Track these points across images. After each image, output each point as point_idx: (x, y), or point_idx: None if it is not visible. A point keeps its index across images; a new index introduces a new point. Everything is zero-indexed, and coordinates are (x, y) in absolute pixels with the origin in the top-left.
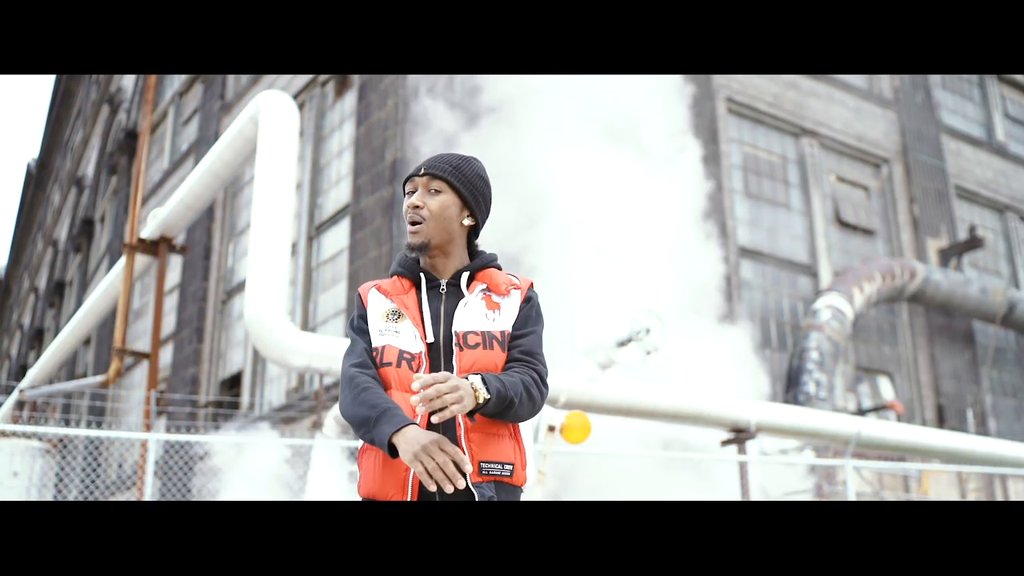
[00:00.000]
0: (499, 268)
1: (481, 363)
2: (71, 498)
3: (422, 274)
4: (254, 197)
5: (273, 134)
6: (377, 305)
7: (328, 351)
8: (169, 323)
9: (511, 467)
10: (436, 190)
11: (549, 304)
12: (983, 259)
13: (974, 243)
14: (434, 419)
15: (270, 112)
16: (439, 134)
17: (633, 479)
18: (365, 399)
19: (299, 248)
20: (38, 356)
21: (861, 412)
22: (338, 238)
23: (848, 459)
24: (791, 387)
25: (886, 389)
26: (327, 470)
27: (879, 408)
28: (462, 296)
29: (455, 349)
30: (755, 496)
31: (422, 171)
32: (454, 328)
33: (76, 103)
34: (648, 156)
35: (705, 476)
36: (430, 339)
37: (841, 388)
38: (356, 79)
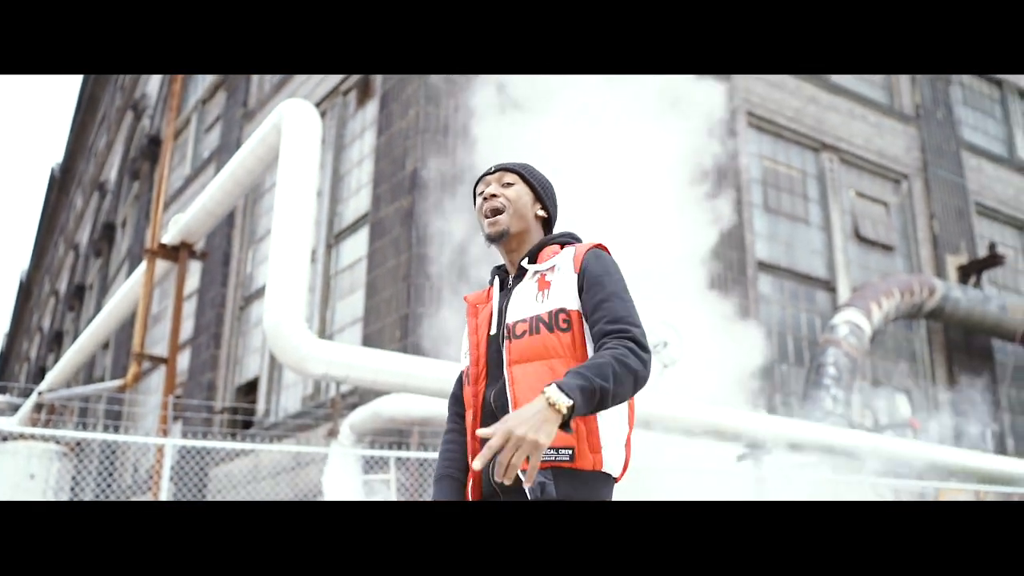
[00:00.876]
0: (563, 244)
1: (529, 351)
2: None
3: (506, 272)
4: (275, 204)
5: (296, 142)
6: (467, 323)
7: (345, 359)
8: (187, 328)
9: (569, 451)
10: (509, 183)
11: None
12: (1003, 276)
13: (994, 260)
14: (504, 481)
15: (293, 120)
16: (461, 144)
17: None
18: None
19: (318, 255)
20: (57, 359)
21: (878, 428)
22: (357, 246)
23: (865, 476)
24: (807, 402)
25: (903, 406)
26: (342, 478)
27: (896, 425)
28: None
29: (504, 343)
30: None
31: (493, 170)
32: (508, 319)
33: (101, 108)
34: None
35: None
36: (492, 331)
37: (858, 404)
38: (378, 88)
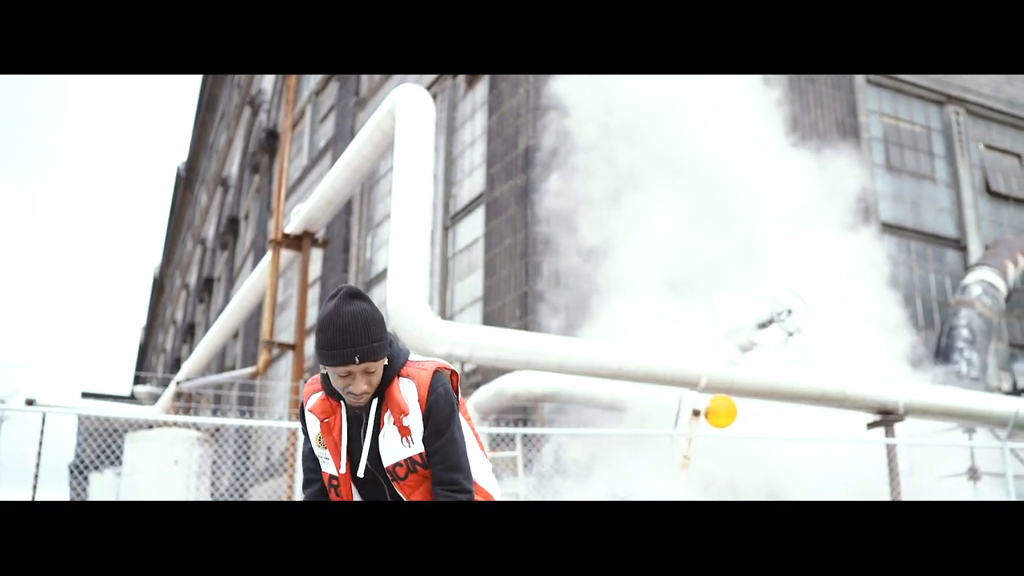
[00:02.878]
0: (403, 365)
1: (414, 483)
2: (224, 484)
3: (342, 400)
4: (393, 188)
5: (410, 126)
6: (312, 426)
7: (469, 339)
8: (311, 315)
9: None
10: (371, 371)
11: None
12: None
13: None
14: None
15: (406, 105)
16: (572, 120)
17: (775, 463)
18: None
19: (435, 238)
20: (191, 349)
21: (1016, 392)
22: (473, 227)
23: (1005, 441)
24: (940, 366)
25: None
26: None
27: None
28: (369, 424)
29: (393, 483)
30: (904, 480)
31: (357, 360)
32: (385, 463)
33: (220, 107)
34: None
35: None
36: (342, 470)
37: (994, 367)
38: None
